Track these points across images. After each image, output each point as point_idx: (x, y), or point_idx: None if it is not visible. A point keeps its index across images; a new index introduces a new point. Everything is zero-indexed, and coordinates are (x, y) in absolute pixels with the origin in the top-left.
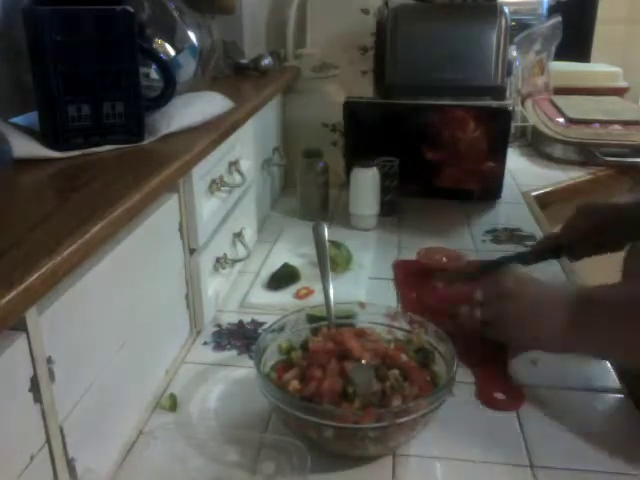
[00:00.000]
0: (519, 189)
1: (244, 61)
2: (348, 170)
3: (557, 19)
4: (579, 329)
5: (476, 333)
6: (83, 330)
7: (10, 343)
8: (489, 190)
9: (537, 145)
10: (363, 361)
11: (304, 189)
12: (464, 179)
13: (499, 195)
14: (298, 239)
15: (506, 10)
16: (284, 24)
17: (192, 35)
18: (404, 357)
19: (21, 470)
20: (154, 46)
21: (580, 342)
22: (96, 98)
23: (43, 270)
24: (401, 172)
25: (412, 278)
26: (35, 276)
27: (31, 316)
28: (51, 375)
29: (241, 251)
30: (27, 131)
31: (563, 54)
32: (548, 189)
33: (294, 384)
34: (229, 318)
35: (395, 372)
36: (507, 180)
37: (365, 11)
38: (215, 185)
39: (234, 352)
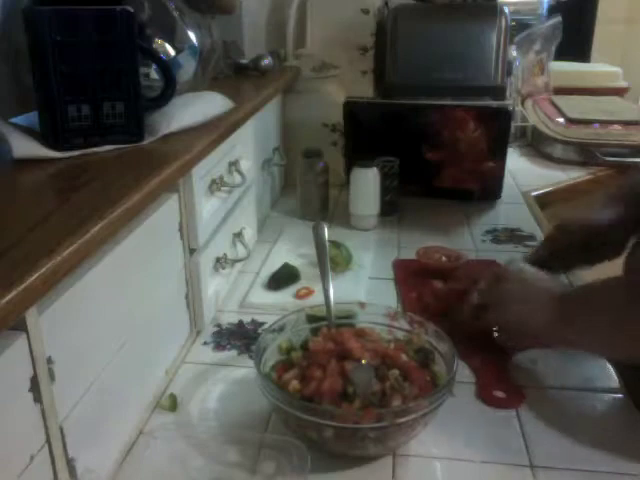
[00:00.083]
0: (519, 189)
1: (244, 61)
2: (348, 170)
3: (557, 19)
4: (573, 319)
5: (476, 333)
6: (83, 330)
7: (10, 343)
8: (489, 190)
9: (537, 145)
10: (363, 361)
11: (304, 189)
12: (464, 179)
13: (499, 195)
14: (298, 239)
15: (506, 10)
16: (284, 24)
17: (192, 35)
18: (404, 357)
19: (21, 470)
20: (154, 46)
21: (572, 331)
22: (96, 98)
23: (43, 270)
24: (401, 172)
25: (412, 278)
26: (35, 276)
27: (31, 316)
28: (51, 375)
29: (241, 251)
30: (27, 131)
31: (563, 54)
32: (548, 189)
33: (294, 384)
34: (229, 318)
35: (395, 372)
36: (507, 180)
37: (365, 11)
38: (215, 185)
39: (234, 352)
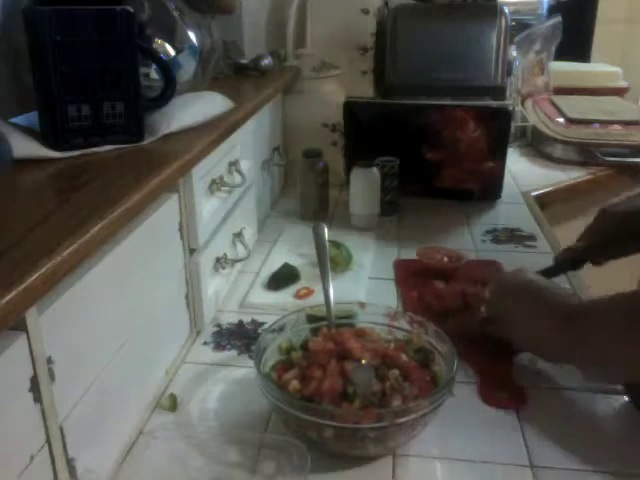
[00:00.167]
0: (519, 189)
1: (244, 61)
2: (348, 170)
3: (557, 19)
4: (575, 337)
5: (477, 332)
6: (83, 330)
7: (10, 343)
8: (489, 190)
9: (537, 145)
10: (363, 361)
11: (304, 189)
12: (464, 179)
13: (499, 195)
14: (298, 239)
15: (506, 10)
16: (284, 24)
17: (192, 35)
18: (404, 357)
19: (21, 470)
20: (154, 46)
21: (575, 349)
22: (96, 98)
23: (43, 270)
24: (401, 172)
25: (412, 278)
26: (35, 276)
27: (31, 316)
28: (51, 375)
29: (241, 251)
30: (27, 131)
31: (563, 54)
32: (548, 189)
33: (294, 384)
34: (229, 318)
35: (395, 372)
36: (507, 180)
37: (365, 11)
38: (215, 185)
39: (234, 352)
